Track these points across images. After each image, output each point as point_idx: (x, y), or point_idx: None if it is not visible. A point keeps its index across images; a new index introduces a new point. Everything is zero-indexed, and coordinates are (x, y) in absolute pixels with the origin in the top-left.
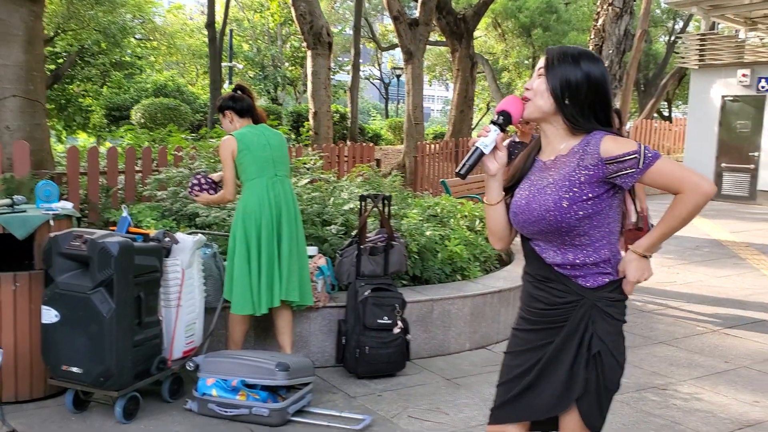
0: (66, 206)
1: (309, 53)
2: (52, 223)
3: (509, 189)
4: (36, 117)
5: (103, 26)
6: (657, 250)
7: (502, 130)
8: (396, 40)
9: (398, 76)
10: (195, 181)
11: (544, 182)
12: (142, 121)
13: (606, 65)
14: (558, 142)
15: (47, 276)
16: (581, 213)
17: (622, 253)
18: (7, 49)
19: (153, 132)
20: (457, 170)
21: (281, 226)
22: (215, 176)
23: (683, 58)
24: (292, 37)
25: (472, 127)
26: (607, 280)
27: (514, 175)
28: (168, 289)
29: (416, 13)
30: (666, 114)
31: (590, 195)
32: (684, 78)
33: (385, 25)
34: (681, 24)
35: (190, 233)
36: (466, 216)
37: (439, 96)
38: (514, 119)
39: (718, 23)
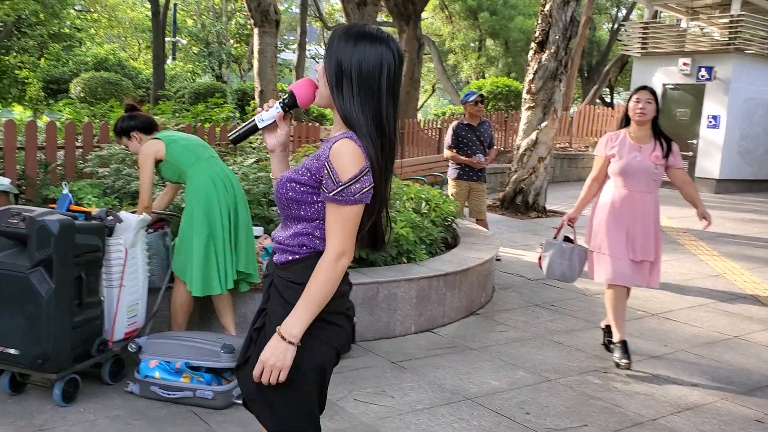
0: (3, 182)
1: (256, 31)
2: None
3: None
4: None
5: None
6: (295, 334)
7: (286, 109)
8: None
9: None
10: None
11: None
12: (82, 95)
13: (552, 51)
14: (335, 127)
15: None
16: (290, 194)
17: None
18: None
19: (94, 107)
20: (228, 135)
21: (237, 203)
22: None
23: (626, 45)
24: (237, 13)
25: (418, 108)
26: (289, 258)
27: None
28: (110, 269)
29: None
30: (608, 100)
31: (304, 181)
32: (626, 65)
33: (331, 4)
34: (624, 12)
35: (133, 212)
36: (412, 198)
37: None
38: (300, 103)
39: (661, 12)
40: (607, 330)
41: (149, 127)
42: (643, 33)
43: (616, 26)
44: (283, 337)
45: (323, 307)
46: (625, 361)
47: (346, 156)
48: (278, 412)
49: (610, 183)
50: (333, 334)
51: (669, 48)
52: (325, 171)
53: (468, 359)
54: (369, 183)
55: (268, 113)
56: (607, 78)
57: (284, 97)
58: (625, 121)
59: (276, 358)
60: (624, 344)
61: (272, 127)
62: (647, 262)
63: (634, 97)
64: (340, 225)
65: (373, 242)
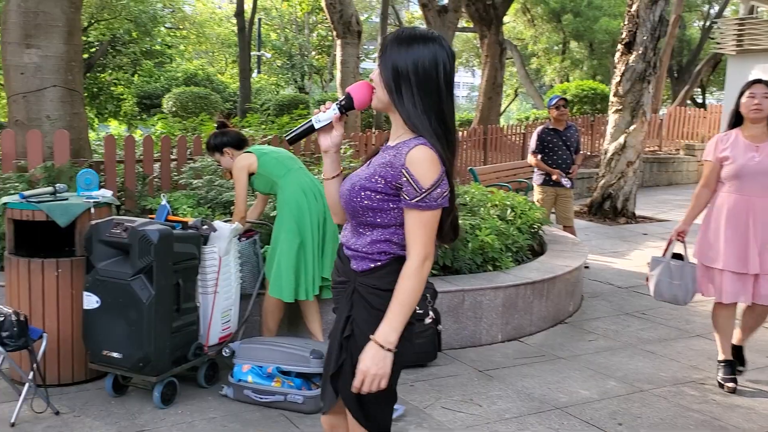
0: (105, 194)
1: (338, 42)
2: (92, 210)
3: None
4: (75, 106)
5: (134, 15)
6: (390, 342)
7: (343, 111)
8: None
9: None
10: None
11: (370, 165)
12: (174, 109)
13: (640, 52)
14: (397, 132)
15: (88, 263)
16: (366, 202)
17: None
18: (48, 41)
19: (185, 121)
20: (285, 135)
21: (326, 212)
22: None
23: (719, 43)
24: (319, 26)
25: (501, 113)
26: (371, 265)
27: (366, 160)
28: (205, 276)
29: (445, 0)
30: (700, 101)
31: (380, 190)
32: (719, 64)
33: (411, 12)
34: (717, 8)
35: (226, 221)
36: (496, 205)
37: (465, 82)
38: (357, 105)
39: (758, 7)
40: (726, 362)
41: (240, 143)
42: (739, 30)
43: (707, 24)
44: (381, 346)
45: (417, 299)
46: (730, 384)
47: (425, 162)
48: (371, 409)
49: (724, 189)
50: (411, 331)
51: (766, 44)
52: (404, 178)
53: (557, 368)
54: (447, 186)
55: (325, 114)
56: (699, 78)
57: (341, 99)
58: (735, 120)
59: (377, 366)
60: (730, 364)
61: (327, 128)
62: (759, 275)
63: (748, 92)
64: (423, 230)
65: (454, 233)
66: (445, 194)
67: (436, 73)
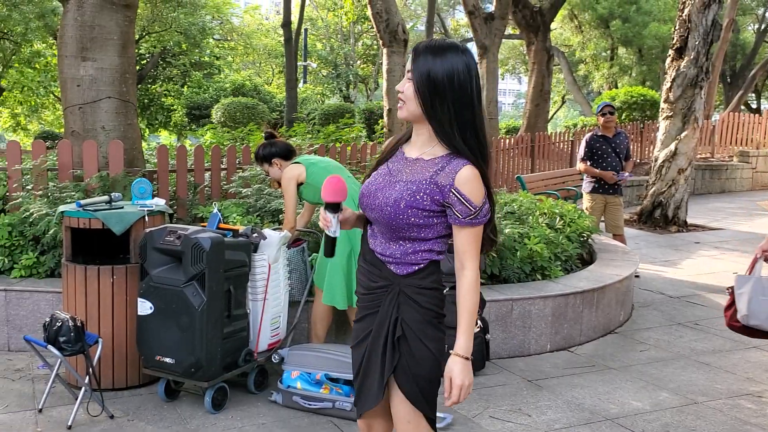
0: (159, 203)
1: (384, 51)
2: (146, 219)
3: (371, 171)
4: (128, 117)
5: (184, 28)
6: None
7: (336, 211)
8: (468, 35)
9: None
10: None
11: (398, 177)
12: (222, 119)
13: (692, 57)
14: (426, 144)
15: (142, 269)
16: (413, 219)
17: None
18: (103, 53)
19: (234, 131)
20: (325, 254)
21: None
22: None
23: None
24: (364, 35)
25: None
26: (415, 268)
27: (379, 162)
28: (255, 284)
29: (491, 8)
30: (754, 106)
31: (427, 207)
32: None
33: (457, 20)
34: None
35: (275, 229)
36: (545, 213)
37: (511, 89)
38: (341, 200)
39: None
40: None
41: (288, 154)
42: None
43: (763, 27)
44: (466, 358)
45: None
46: None
47: (474, 182)
48: (431, 399)
49: None
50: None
51: None
52: (455, 198)
53: (607, 379)
54: (489, 201)
55: (333, 225)
56: (754, 83)
57: (326, 208)
58: None
59: (468, 377)
60: None
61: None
62: None
63: None
64: (474, 244)
65: (493, 241)
66: (489, 209)
67: (469, 82)
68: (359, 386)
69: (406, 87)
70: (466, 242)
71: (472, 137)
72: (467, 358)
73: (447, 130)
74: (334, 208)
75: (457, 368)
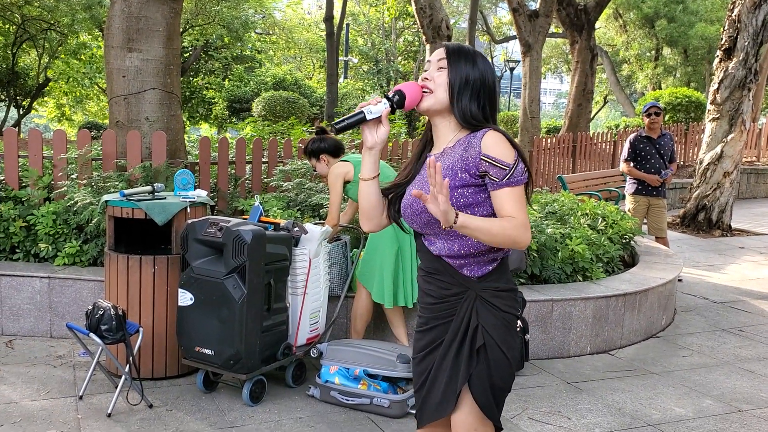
0: (201, 194)
1: (427, 47)
2: (188, 210)
3: (400, 186)
4: (172, 108)
5: (226, 21)
6: (458, 228)
7: (393, 107)
8: (511, 33)
9: (511, 70)
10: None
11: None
12: (263, 113)
13: (741, 58)
14: (448, 135)
15: (184, 260)
16: (462, 200)
17: None
18: (149, 45)
19: (274, 125)
20: (333, 122)
21: None
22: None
23: None
24: (405, 31)
25: (590, 120)
26: (489, 268)
27: (408, 173)
28: (295, 278)
29: (535, 5)
30: None
31: (470, 183)
32: None
33: (499, 17)
34: None
35: (317, 224)
36: (587, 214)
37: (552, 89)
38: (407, 104)
39: None
40: None
41: (337, 151)
42: None
43: None
44: (455, 221)
45: (489, 240)
46: None
47: (501, 142)
48: (501, 404)
49: None
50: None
51: None
52: (487, 163)
53: (649, 384)
54: (523, 162)
55: (376, 107)
56: None
57: (392, 94)
58: None
59: (443, 214)
60: None
61: (374, 123)
62: None
63: None
64: (520, 202)
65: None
66: (525, 169)
67: (495, 89)
68: (425, 396)
69: (438, 75)
70: (506, 201)
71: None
72: (454, 224)
73: (475, 114)
74: (397, 99)
75: (442, 207)
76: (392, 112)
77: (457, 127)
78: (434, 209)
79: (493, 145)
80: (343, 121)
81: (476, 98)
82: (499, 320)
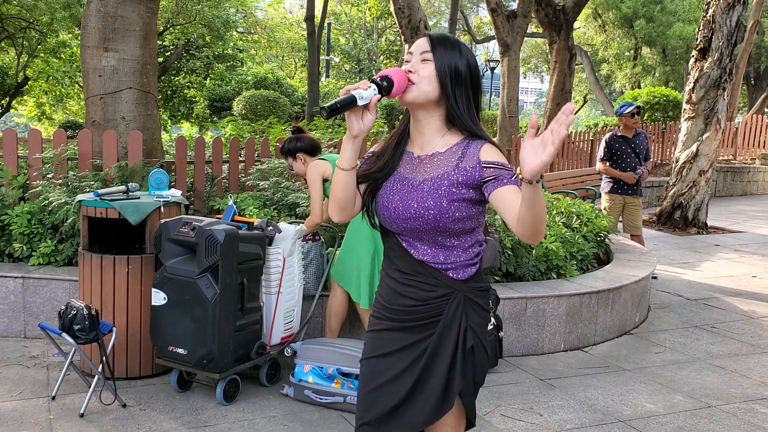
0: (175, 194)
1: (406, 47)
2: (162, 209)
3: (374, 179)
4: (148, 108)
5: (208, 20)
6: (533, 186)
7: (382, 93)
8: (492, 33)
9: (492, 69)
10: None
11: (420, 178)
12: (243, 112)
13: (715, 58)
14: (433, 136)
15: (157, 260)
16: (458, 214)
17: None
18: (125, 44)
19: (254, 123)
20: (322, 105)
21: None
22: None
23: None
24: (387, 30)
25: None
26: (473, 270)
27: (384, 166)
28: (269, 277)
29: (514, 5)
30: None
31: (466, 197)
32: None
33: (480, 17)
34: None
35: (291, 223)
36: (562, 212)
37: (533, 88)
38: (393, 92)
39: None
40: None
41: (313, 150)
42: None
43: None
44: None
45: (537, 213)
46: None
47: (498, 152)
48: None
49: None
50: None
51: None
52: (490, 169)
53: (621, 380)
54: None
55: (366, 92)
56: None
57: (379, 79)
58: None
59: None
60: None
61: (361, 109)
62: None
63: None
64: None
65: None
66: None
67: (480, 81)
68: (407, 399)
69: (422, 67)
70: (518, 197)
71: (477, 118)
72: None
73: (464, 113)
74: (385, 85)
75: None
76: (381, 95)
77: (443, 127)
78: (538, 153)
79: (493, 152)
80: (335, 104)
81: (465, 92)
82: (483, 319)
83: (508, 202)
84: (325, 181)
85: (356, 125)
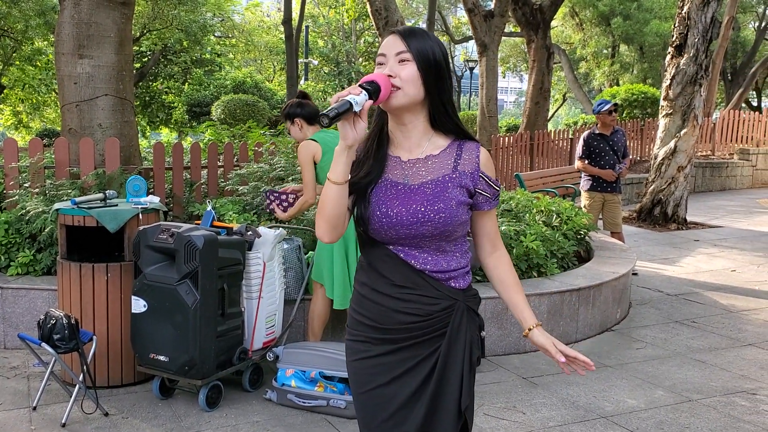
0: (153, 200)
1: None
2: (140, 216)
3: (359, 185)
4: (125, 115)
5: (185, 25)
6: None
7: (371, 98)
8: (470, 33)
9: (471, 69)
10: (269, 201)
11: (416, 182)
12: (222, 116)
13: (691, 54)
14: (421, 139)
15: (136, 267)
16: (464, 217)
17: None
18: (100, 51)
19: (233, 128)
20: (323, 112)
21: None
22: (287, 189)
23: None
24: (366, 32)
25: (549, 118)
26: (468, 279)
27: (369, 173)
28: (250, 282)
29: (491, 5)
30: (755, 104)
31: (465, 200)
32: None
33: (458, 17)
34: None
35: (271, 227)
36: (542, 211)
37: (513, 88)
38: (380, 97)
39: None
40: None
41: (311, 119)
42: None
43: (763, 25)
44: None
45: None
46: None
47: (492, 162)
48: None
49: None
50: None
51: None
52: (484, 182)
53: (603, 377)
54: None
55: (359, 97)
56: (754, 80)
57: (365, 84)
58: None
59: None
60: None
61: (353, 117)
62: None
63: None
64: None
65: None
66: None
67: (449, 63)
68: (427, 413)
69: (403, 69)
70: (495, 223)
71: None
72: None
73: (449, 112)
74: (372, 90)
75: (545, 336)
76: (370, 96)
77: (428, 128)
78: (549, 347)
79: (489, 163)
80: (334, 111)
81: (444, 85)
82: (475, 324)
83: (487, 229)
84: (314, 164)
85: (350, 134)
